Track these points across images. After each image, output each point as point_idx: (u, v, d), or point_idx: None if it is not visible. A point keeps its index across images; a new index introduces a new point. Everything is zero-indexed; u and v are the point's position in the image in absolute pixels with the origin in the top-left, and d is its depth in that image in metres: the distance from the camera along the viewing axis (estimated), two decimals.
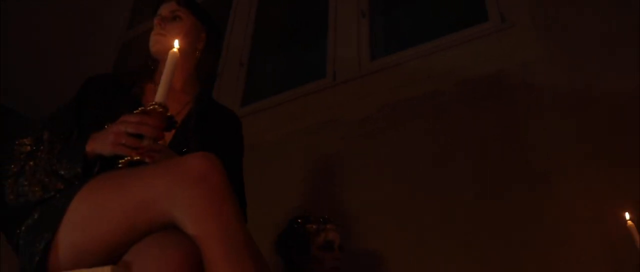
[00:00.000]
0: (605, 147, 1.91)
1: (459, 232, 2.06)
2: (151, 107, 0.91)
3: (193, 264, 0.75)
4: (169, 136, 1.09)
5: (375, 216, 2.26)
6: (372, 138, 2.53)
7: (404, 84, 2.61)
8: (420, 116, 2.45)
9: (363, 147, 2.53)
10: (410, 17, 3.14)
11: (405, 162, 2.37)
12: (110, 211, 0.82)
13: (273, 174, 2.60)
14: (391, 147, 2.46)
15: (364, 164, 2.48)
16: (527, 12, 2.50)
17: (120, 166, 0.90)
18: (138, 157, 0.89)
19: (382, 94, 2.66)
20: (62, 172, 0.92)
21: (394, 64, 2.76)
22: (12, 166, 0.98)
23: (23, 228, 0.93)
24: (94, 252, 0.82)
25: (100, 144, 0.92)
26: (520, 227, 1.90)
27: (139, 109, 0.92)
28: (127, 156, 0.89)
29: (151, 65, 1.24)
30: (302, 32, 3.48)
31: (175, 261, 0.74)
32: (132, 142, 0.89)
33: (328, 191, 2.54)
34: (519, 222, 1.91)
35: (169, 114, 0.92)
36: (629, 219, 1.54)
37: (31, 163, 0.96)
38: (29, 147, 1.00)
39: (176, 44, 0.97)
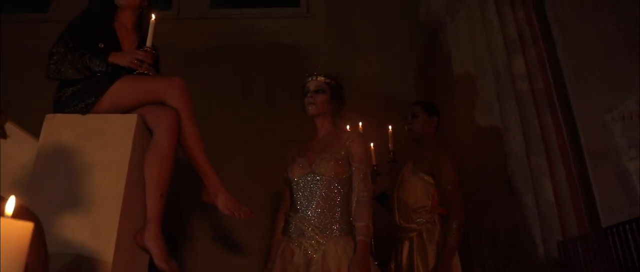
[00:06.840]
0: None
1: (252, 138, 3.14)
2: (149, 49, 1.69)
3: (178, 118, 1.68)
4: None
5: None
6: (197, 69, 3.34)
7: (230, 34, 3.49)
8: (240, 60, 3.39)
9: (192, 74, 3.29)
10: None
11: (222, 92, 3.30)
12: (136, 90, 1.70)
13: None
14: (210, 82, 3.32)
15: (190, 88, 3.27)
16: (325, 9, 3.65)
17: (135, 73, 1.72)
18: (145, 71, 1.71)
19: (211, 37, 3.48)
20: (92, 66, 1.65)
21: (225, 16, 3.60)
22: (55, 57, 1.66)
23: (68, 91, 1.66)
24: (121, 108, 1.68)
25: (120, 59, 1.71)
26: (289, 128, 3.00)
27: (143, 49, 1.73)
28: (138, 70, 1.67)
29: (113, 9, 1.88)
30: None
31: (173, 114, 1.67)
32: (140, 64, 1.71)
33: None
34: (291, 128, 3.01)
35: (154, 52, 1.77)
36: (391, 129, 2.48)
37: (69, 57, 1.65)
38: (63, 49, 1.66)
39: (153, 16, 1.72)
